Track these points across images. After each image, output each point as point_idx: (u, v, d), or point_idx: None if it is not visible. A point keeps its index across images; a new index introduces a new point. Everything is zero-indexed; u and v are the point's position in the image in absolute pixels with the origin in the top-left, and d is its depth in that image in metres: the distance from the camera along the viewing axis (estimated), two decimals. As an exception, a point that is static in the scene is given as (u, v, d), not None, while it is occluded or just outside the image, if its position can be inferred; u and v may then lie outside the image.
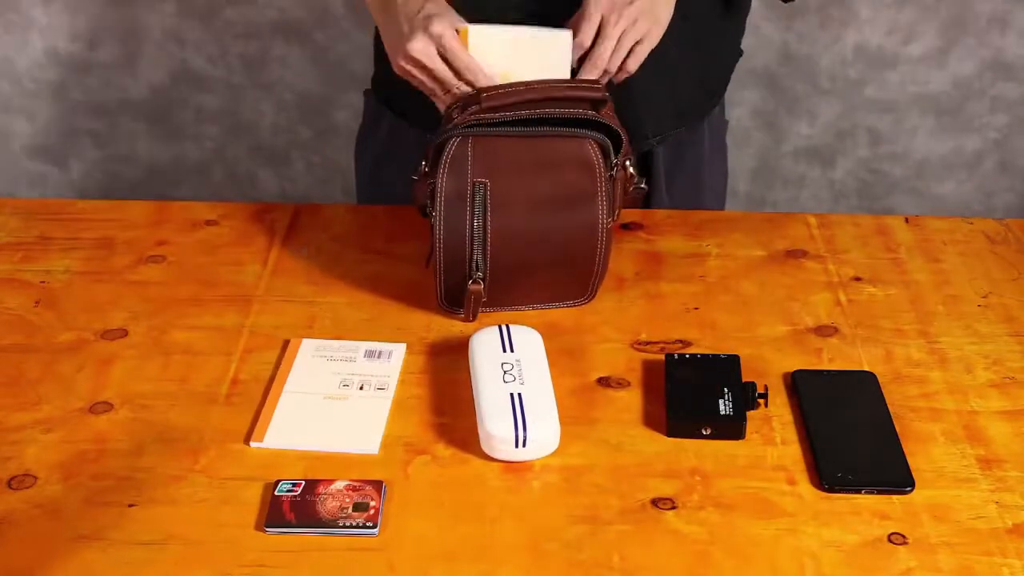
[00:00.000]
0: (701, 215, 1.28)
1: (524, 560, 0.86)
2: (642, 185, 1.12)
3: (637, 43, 1.10)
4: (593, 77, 1.09)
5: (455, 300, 1.10)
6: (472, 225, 1.06)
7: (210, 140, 2.25)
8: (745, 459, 0.95)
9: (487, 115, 1.04)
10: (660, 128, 1.28)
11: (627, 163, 1.09)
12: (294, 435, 0.96)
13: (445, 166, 1.04)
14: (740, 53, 1.37)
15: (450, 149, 1.04)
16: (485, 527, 0.89)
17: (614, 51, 1.09)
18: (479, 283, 1.07)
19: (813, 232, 1.25)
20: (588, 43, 1.09)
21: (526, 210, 1.06)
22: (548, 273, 1.09)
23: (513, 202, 1.06)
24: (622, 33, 1.09)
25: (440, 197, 1.05)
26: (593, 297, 1.12)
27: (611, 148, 1.06)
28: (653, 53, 1.12)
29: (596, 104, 1.05)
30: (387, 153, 1.34)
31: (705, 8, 1.23)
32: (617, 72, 1.11)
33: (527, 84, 1.05)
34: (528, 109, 1.04)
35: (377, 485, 0.91)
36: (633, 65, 1.11)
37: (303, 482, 0.91)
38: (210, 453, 0.95)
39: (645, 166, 1.30)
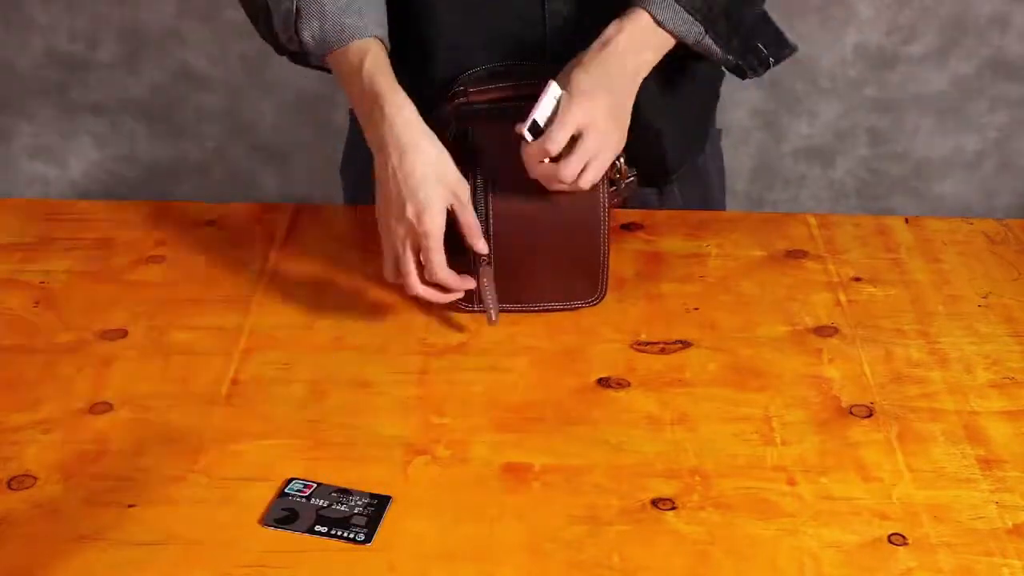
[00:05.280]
0: (701, 215, 1.28)
1: (524, 560, 0.86)
2: (631, 175, 1.12)
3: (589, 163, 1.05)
4: (557, 188, 1.05)
5: (467, 293, 1.09)
6: (475, 208, 1.06)
7: (210, 140, 2.25)
8: (745, 459, 0.95)
9: (473, 104, 1.06)
10: (678, 163, 1.27)
11: (619, 159, 1.09)
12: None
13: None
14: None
15: (449, 133, 1.05)
16: (485, 527, 0.89)
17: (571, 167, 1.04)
18: (484, 265, 1.07)
19: (813, 232, 1.25)
20: (556, 150, 1.02)
21: (527, 192, 1.06)
22: (554, 261, 1.09)
23: (515, 184, 1.06)
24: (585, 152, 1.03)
25: None
26: (604, 295, 1.12)
27: None
28: (669, 93, 1.13)
29: None
30: (369, 173, 1.33)
31: None
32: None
33: (505, 83, 1.07)
34: (514, 102, 1.05)
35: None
36: (585, 184, 1.05)
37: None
38: (210, 453, 0.95)
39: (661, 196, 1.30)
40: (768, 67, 1.11)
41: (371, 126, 1.05)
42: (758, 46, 1.08)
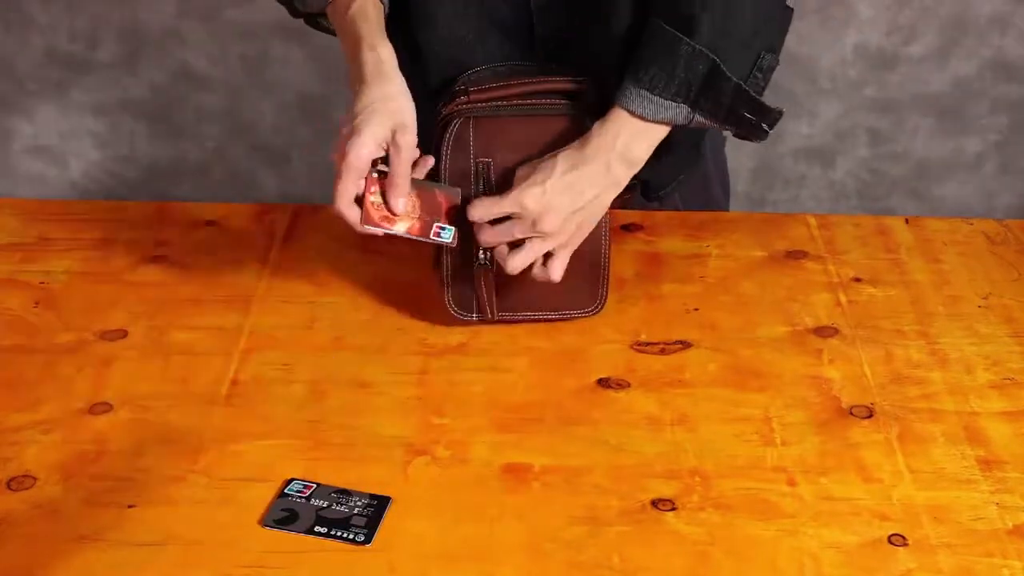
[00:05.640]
0: (701, 215, 1.28)
1: (524, 560, 0.86)
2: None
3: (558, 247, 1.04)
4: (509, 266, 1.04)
5: (464, 298, 1.09)
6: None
7: (210, 140, 2.25)
8: (745, 459, 0.95)
9: (475, 104, 1.05)
10: (660, 186, 1.26)
11: None
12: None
13: (448, 147, 1.05)
14: None
15: (452, 130, 1.05)
16: (485, 527, 0.89)
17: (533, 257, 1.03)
18: (486, 266, 1.06)
19: (813, 232, 1.25)
20: (483, 220, 1.02)
21: None
22: None
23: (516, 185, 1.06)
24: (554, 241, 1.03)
25: (444, 178, 1.05)
26: (603, 304, 1.11)
27: None
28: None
29: (575, 95, 1.06)
30: None
31: None
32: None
33: (506, 81, 1.06)
34: (515, 101, 1.05)
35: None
36: (556, 274, 1.05)
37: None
38: (210, 453, 0.95)
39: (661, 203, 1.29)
40: (767, 133, 1.05)
41: (352, 68, 1.04)
42: (744, 115, 1.03)
